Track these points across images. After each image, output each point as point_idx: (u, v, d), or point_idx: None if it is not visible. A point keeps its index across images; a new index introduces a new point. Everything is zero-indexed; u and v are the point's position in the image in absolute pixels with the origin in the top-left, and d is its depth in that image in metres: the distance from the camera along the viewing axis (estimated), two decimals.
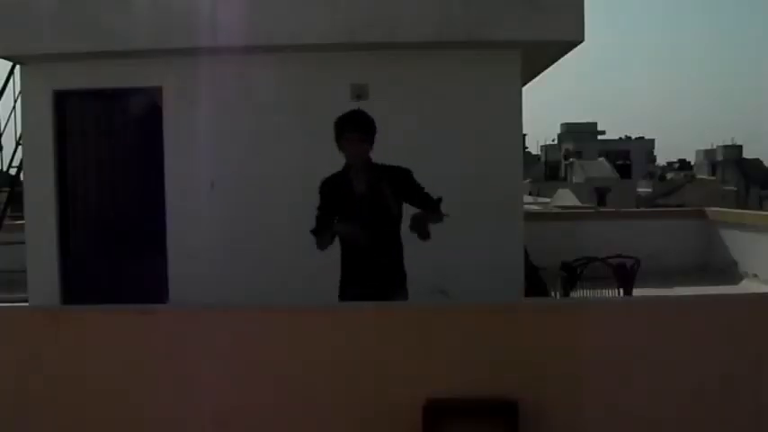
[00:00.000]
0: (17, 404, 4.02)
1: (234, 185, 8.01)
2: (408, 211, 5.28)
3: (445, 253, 7.40)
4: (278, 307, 4.20)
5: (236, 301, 6.35)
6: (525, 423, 3.88)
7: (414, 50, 7.94)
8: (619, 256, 8.64)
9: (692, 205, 24.75)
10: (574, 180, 53.93)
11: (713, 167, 65.03)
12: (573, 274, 8.57)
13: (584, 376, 3.99)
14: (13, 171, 9.51)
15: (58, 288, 8.33)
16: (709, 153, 68.20)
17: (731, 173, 59.92)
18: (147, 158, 8.49)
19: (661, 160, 76.99)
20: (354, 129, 5.26)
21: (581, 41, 7.84)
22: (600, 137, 72.20)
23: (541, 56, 8.61)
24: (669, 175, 66.98)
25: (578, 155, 63.66)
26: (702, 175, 63.76)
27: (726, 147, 65.76)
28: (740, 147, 65.70)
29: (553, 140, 74.21)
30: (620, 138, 72.05)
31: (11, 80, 9.12)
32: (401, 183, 5.27)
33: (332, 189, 5.30)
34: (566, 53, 8.55)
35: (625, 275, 8.45)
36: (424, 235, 5.12)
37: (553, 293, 8.49)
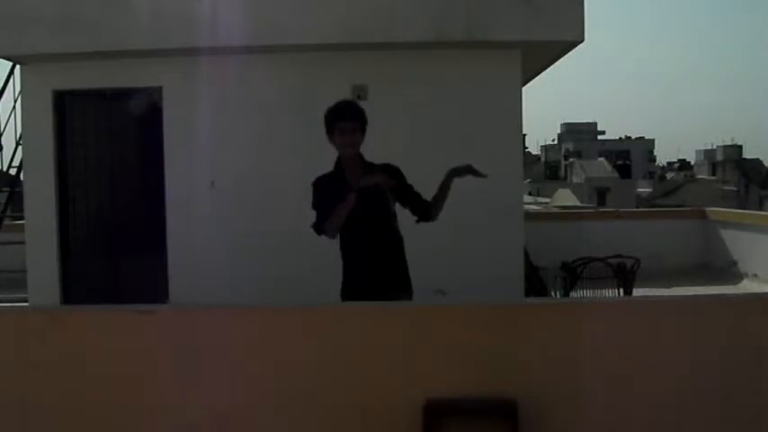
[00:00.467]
0: (17, 404, 4.02)
1: (234, 185, 8.01)
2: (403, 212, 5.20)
3: (445, 253, 7.42)
4: (278, 307, 4.20)
5: (235, 301, 6.35)
6: (525, 423, 3.88)
7: (413, 50, 7.94)
8: (619, 256, 8.64)
9: (692, 205, 24.75)
10: (574, 180, 53.98)
11: (713, 167, 65.05)
12: (573, 274, 8.58)
13: (584, 376, 3.99)
14: (13, 171, 9.52)
15: (58, 288, 8.34)
16: (709, 153, 68.25)
17: (731, 173, 59.91)
18: (147, 158, 8.49)
19: (661, 160, 77.13)
20: (346, 118, 5.15)
21: (581, 41, 7.83)
22: (600, 137, 72.34)
23: (541, 56, 8.61)
24: (669, 175, 67.02)
25: (578, 155, 63.73)
26: (702, 175, 63.79)
27: (726, 147, 65.81)
28: (740, 147, 65.78)
29: (553, 140, 74.37)
30: (620, 138, 72.17)
31: (11, 80, 9.14)
32: (395, 179, 5.16)
33: (326, 184, 5.16)
34: (566, 53, 8.55)
35: (625, 275, 8.46)
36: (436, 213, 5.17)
37: (553, 293, 8.49)
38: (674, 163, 77.56)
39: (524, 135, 13.41)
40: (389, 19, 7.72)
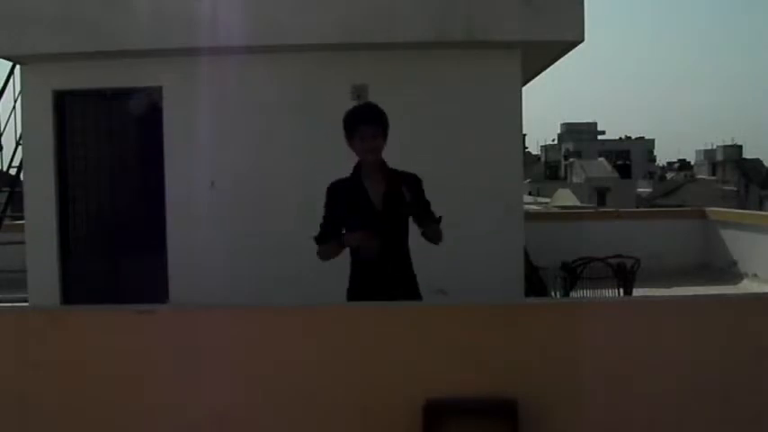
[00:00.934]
0: (17, 404, 4.02)
1: (234, 185, 8.01)
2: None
3: (445, 253, 7.41)
4: (278, 307, 4.20)
5: (235, 301, 6.35)
6: (525, 423, 3.88)
7: (413, 50, 7.94)
8: (619, 256, 8.64)
9: (692, 205, 24.75)
10: (574, 180, 54.00)
11: (713, 167, 65.07)
12: (573, 274, 8.58)
13: (584, 376, 3.99)
14: (13, 171, 9.53)
15: (58, 288, 8.34)
16: (709, 153, 68.27)
17: (731, 173, 59.92)
18: (147, 158, 8.50)
19: (661, 160, 77.17)
20: (367, 122, 4.79)
21: (581, 41, 7.84)
22: (600, 137, 72.39)
23: (541, 56, 8.61)
24: (669, 175, 67.04)
25: (578, 155, 63.75)
26: (702, 175, 63.80)
27: (726, 147, 65.84)
28: (740, 147, 65.81)
29: (553, 140, 74.41)
30: (620, 138, 72.20)
31: (11, 80, 9.14)
32: (415, 192, 4.81)
33: (344, 195, 4.83)
34: (566, 53, 8.55)
35: (625, 275, 8.46)
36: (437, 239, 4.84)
37: (553, 293, 8.49)
38: (674, 163, 77.61)
39: (524, 135, 13.43)
40: (389, 19, 7.73)
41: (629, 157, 66.34)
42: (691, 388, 3.98)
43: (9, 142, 9.58)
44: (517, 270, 8.02)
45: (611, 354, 4.00)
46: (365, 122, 4.79)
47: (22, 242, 8.52)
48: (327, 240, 4.81)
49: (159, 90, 8.15)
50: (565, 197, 38.75)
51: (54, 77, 8.22)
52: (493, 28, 7.73)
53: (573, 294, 8.39)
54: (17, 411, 4.01)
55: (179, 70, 8.03)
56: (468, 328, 4.03)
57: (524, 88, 8.68)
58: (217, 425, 3.99)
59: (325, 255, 4.83)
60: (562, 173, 62.65)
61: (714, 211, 12.56)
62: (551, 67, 9.40)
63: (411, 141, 7.62)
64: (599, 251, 8.90)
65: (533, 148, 72.75)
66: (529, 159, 60.52)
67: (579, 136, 69.90)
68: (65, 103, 8.43)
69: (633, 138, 71.98)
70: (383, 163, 4.88)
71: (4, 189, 10.17)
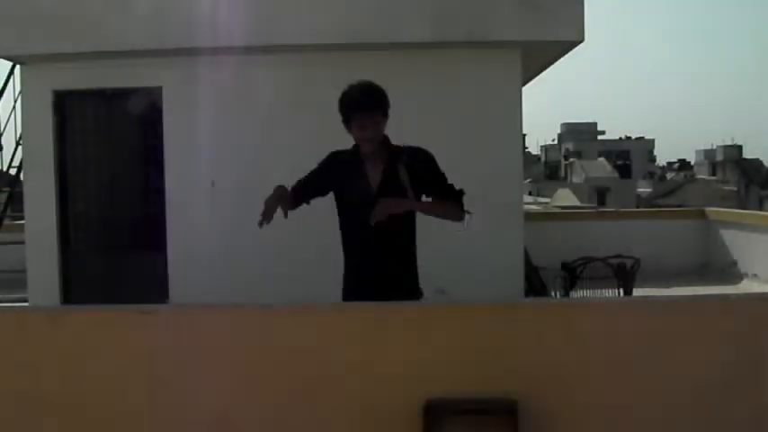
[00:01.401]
0: (17, 404, 4.02)
1: (234, 185, 8.01)
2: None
3: (445, 253, 7.41)
4: (278, 307, 4.19)
5: (235, 301, 6.35)
6: (525, 423, 3.88)
7: (414, 50, 7.95)
8: (619, 256, 8.65)
9: (692, 205, 24.76)
10: (574, 180, 54.02)
11: (713, 167, 65.06)
12: (573, 274, 8.58)
13: (584, 376, 3.99)
14: (13, 171, 9.53)
15: (58, 288, 8.34)
16: (709, 153, 68.24)
17: (731, 173, 59.92)
18: (146, 158, 8.50)
19: (661, 160, 77.16)
20: (364, 109, 4.41)
21: (581, 41, 7.84)
22: (600, 137, 72.32)
23: (541, 56, 8.62)
24: (669, 175, 67.03)
25: (578, 155, 63.74)
26: (702, 175, 63.79)
27: (726, 147, 65.80)
28: (740, 147, 65.76)
29: (553, 140, 74.36)
30: (620, 138, 72.15)
31: (11, 80, 9.15)
32: (422, 170, 4.53)
33: (341, 170, 4.54)
34: (566, 53, 8.56)
35: (625, 275, 8.46)
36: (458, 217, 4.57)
37: (553, 293, 8.50)
38: (674, 163, 77.57)
39: (524, 135, 13.44)
40: (389, 19, 7.73)
41: (629, 157, 66.31)
42: (691, 388, 3.98)
43: (9, 142, 9.60)
44: (517, 270, 8.02)
45: (611, 354, 3.99)
46: (361, 110, 4.41)
47: (22, 242, 8.53)
48: (284, 198, 4.53)
49: (159, 90, 8.16)
50: (565, 197, 38.75)
51: (54, 77, 8.23)
52: (493, 28, 7.74)
53: (573, 294, 8.40)
54: (17, 411, 4.01)
55: (179, 70, 8.03)
56: (468, 328, 4.03)
57: (524, 88, 8.69)
58: (217, 425, 3.99)
59: (268, 206, 4.50)
60: (562, 173, 62.64)
61: (714, 211, 12.56)
62: (551, 67, 9.41)
63: (411, 141, 7.62)
64: (599, 251, 8.90)
65: (533, 148, 72.77)
66: (529, 159, 60.52)
67: (579, 136, 69.85)
68: (65, 103, 8.44)
69: (633, 138, 71.95)
70: (386, 140, 4.56)
71: (4, 189, 10.19)
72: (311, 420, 3.99)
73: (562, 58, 8.88)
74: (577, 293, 8.41)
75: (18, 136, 9.17)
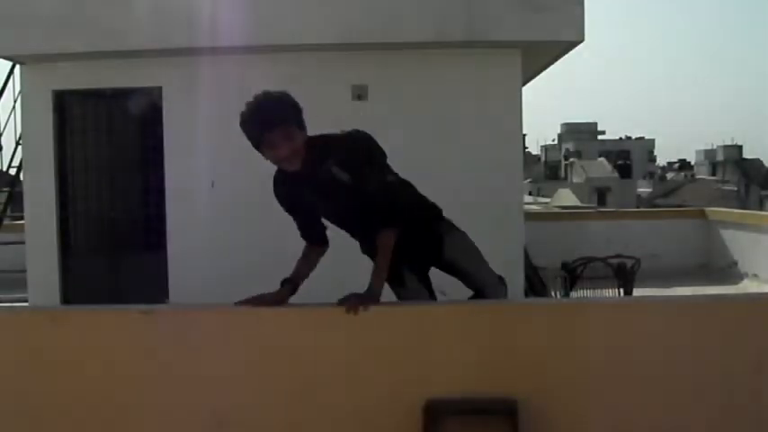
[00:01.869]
0: (17, 404, 4.02)
1: (234, 185, 8.00)
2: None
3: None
4: (277, 307, 4.19)
5: (235, 301, 6.34)
6: (525, 423, 3.88)
7: (413, 50, 7.94)
8: (619, 256, 8.65)
9: (692, 205, 24.75)
10: (574, 180, 54.00)
11: (713, 167, 65.06)
12: (573, 274, 8.59)
13: (585, 376, 3.99)
14: (13, 171, 9.53)
15: (58, 288, 8.34)
16: (709, 153, 68.25)
17: (731, 173, 59.91)
18: (147, 158, 8.50)
19: (661, 160, 77.11)
20: (270, 128, 4.01)
21: (581, 41, 7.84)
22: (600, 137, 72.30)
23: (541, 56, 8.62)
24: (669, 175, 67.00)
25: (578, 155, 63.74)
26: (702, 175, 63.79)
27: (726, 147, 65.81)
28: (740, 147, 65.77)
29: (553, 140, 74.34)
30: (620, 138, 72.14)
31: (11, 80, 9.15)
32: (355, 162, 4.10)
33: (289, 193, 4.30)
34: (566, 53, 8.56)
35: (625, 275, 8.46)
36: None
37: (553, 293, 8.50)
38: (674, 163, 77.54)
39: (524, 135, 13.43)
40: (389, 19, 7.73)
41: (629, 157, 66.30)
42: (691, 388, 3.98)
43: (9, 142, 9.61)
44: (517, 270, 8.01)
45: (611, 354, 3.99)
46: (264, 130, 4.02)
47: (22, 242, 8.53)
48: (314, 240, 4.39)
49: (159, 90, 8.15)
50: (565, 197, 38.72)
51: (54, 77, 8.22)
52: (493, 28, 7.73)
53: (573, 294, 8.40)
54: (17, 411, 4.01)
55: (179, 70, 8.03)
56: (468, 328, 4.03)
57: (524, 88, 8.69)
58: (217, 425, 3.99)
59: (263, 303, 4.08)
60: (562, 173, 62.64)
61: (714, 211, 12.56)
62: (551, 67, 9.41)
63: (411, 141, 7.63)
64: (599, 251, 8.91)
65: (533, 148, 72.77)
66: (529, 159, 60.51)
67: (579, 136, 69.84)
68: (65, 103, 8.44)
69: (633, 138, 71.94)
70: (310, 147, 4.06)
71: (4, 189, 10.18)
72: (311, 420, 3.99)
73: (562, 58, 8.87)
74: (577, 293, 8.41)
75: (18, 136, 9.17)
